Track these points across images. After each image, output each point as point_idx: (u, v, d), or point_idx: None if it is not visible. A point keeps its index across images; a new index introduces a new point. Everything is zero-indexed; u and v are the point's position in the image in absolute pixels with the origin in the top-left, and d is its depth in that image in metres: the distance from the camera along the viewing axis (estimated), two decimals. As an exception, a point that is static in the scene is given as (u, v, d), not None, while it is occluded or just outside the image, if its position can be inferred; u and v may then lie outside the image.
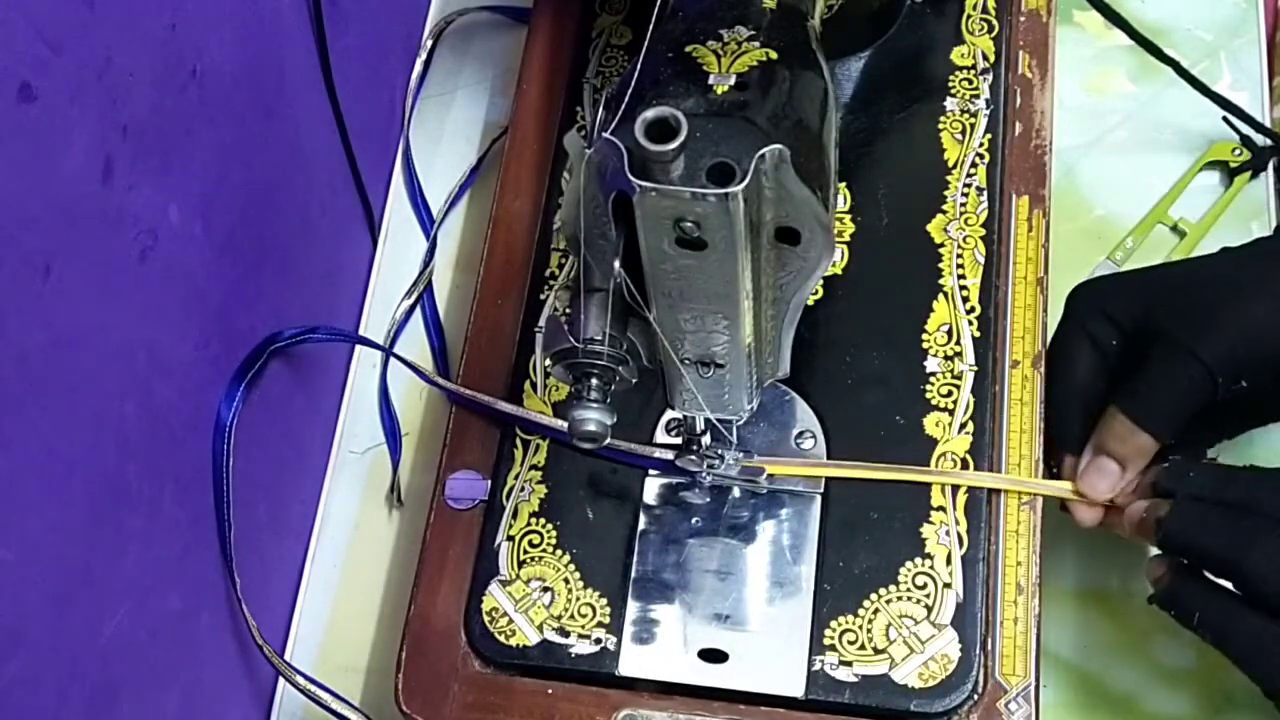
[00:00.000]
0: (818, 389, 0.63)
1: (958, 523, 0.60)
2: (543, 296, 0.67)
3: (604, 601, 0.60)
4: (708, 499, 0.61)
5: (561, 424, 0.62)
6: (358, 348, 0.75)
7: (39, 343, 0.44)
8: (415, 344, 0.74)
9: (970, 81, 0.68)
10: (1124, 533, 0.59)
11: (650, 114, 0.42)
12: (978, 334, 0.63)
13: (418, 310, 0.75)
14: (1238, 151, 0.73)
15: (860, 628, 0.58)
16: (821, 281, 0.63)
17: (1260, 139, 0.73)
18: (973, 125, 0.67)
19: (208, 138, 0.54)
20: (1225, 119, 0.72)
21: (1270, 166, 0.73)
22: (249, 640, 0.61)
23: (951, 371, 0.62)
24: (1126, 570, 0.66)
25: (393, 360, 0.72)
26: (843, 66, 0.69)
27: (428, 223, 0.77)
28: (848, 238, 0.66)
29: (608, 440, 0.52)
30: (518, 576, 0.61)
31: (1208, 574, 0.56)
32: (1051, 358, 0.62)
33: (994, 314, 0.63)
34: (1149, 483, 0.58)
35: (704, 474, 0.60)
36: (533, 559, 0.61)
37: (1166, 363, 0.57)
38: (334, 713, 0.62)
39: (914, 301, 0.64)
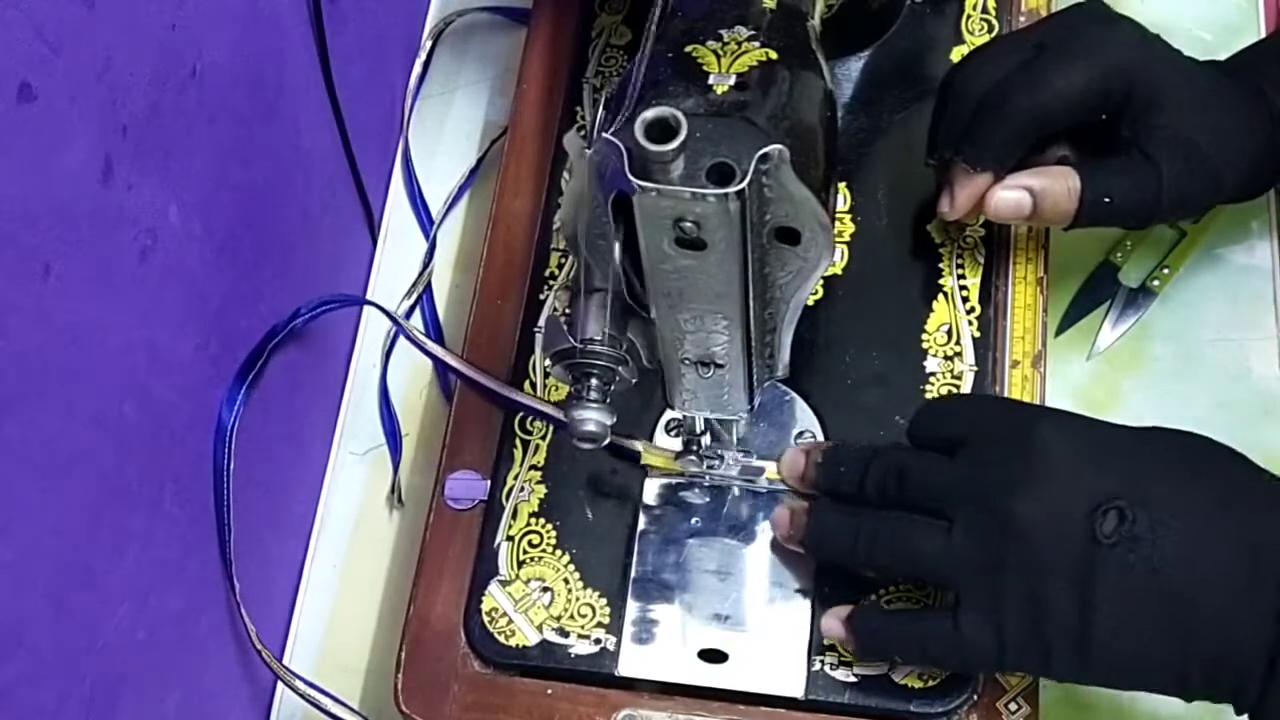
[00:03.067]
0: (818, 389, 0.63)
1: (958, 523, 0.59)
2: (543, 296, 0.67)
3: (604, 601, 0.60)
4: (707, 499, 0.61)
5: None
6: (357, 351, 0.75)
7: (39, 343, 0.44)
8: (415, 344, 0.74)
9: (970, 81, 0.68)
10: None
11: (650, 114, 0.42)
12: (978, 334, 0.63)
13: (418, 310, 0.75)
14: (1238, 151, 0.73)
15: (860, 628, 0.58)
16: (821, 281, 0.63)
17: (1260, 139, 0.72)
18: (973, 125, 0.67)
19: (208, 137, 0.54)
20: (1225, 118, 0.72)
21: (1270, 166, 0.73)
22: (248, 641, 0.61)
23: (951, 371, 0.62)
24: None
25: (392, 362, 0.72)
26: (843, 66, 0.69)
27: (428, 223, 0.77)
28: (848, 238, 0.66)
29: (607, 440, 0.52)
30: (517, 576, 0.61)
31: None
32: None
33: (994, 314, 0.63)
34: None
35: (704, 474, 0.60)
36: (532, 559, 0.61)
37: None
38: (333, 716, 0.62)
39: (914, 301, 0.64)
